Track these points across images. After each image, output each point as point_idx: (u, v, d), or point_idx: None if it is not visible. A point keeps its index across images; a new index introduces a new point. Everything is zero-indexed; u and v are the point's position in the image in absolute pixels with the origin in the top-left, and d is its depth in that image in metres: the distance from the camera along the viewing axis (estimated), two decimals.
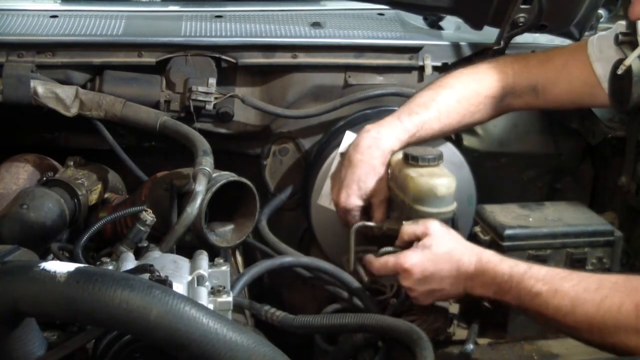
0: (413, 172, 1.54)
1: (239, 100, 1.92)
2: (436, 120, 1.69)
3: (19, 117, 1.87)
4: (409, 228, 1.49)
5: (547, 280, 1.32)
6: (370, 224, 1.62)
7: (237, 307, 1.47)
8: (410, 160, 1.56)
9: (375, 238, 1.62)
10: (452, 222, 1.66)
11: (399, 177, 1.59)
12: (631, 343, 1.19)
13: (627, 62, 1.56)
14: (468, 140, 1.99)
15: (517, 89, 1.73)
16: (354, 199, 1.65)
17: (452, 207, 1.53)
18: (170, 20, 2.04)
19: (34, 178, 1.76)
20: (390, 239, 1.56)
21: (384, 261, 1.50)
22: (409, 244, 1.48)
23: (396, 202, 1.62)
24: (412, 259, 1.45)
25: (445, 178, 1.52)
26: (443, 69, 1.98)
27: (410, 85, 1.97)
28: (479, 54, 1.97)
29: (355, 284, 1.63)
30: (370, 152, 1.64)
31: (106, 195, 1.84)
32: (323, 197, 1.77)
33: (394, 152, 1.65)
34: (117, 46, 1.88)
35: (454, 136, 1.96)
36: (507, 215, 1.64)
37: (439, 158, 1.56)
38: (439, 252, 1.45)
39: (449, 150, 1.78)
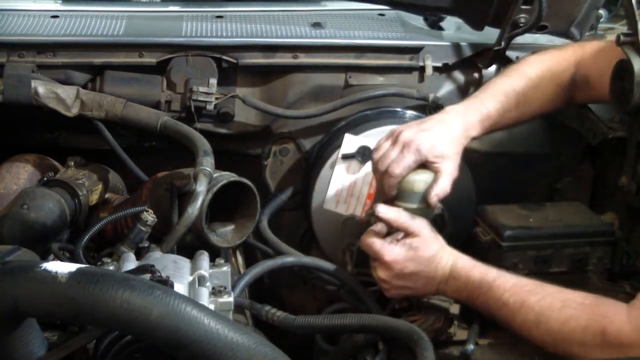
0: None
1: (240, 101, 1.92)
2: (514, 108, 1.68)
3: (19, 117, 1.87)
4: (404, 220, 1.50)
5: (514, 292, 1.36)
6: (358, 216, 1.67)
7: (238, 308, 1.48)
8: None
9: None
10: (441, 218, 1.67)
11: None
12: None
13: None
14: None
15: (577, 80, 1.71)
16: (410, 155, 1.56)
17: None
18: (171, 20, 2.04)
19: (34, 178, 1.76)
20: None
21: (370, 242, 1.51)
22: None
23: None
24: (396, 254, 1.48)
25: (424, 174, 1.54)
26: (443, 70, 1.98)
27: (410, 85, 1.97)
28: (480, 54, 1.97)
29: (357, 284, 1.63)
30: (453, 124, 1.60)
31: (107, 196, 1.84)
32: (328, 201, 1.78)
33: (472, 138, 1.64)
34: (117, 46, 1.88)
35: None
36: (507, 215, 1.64)
37: None
38: (423, 255, 1.48)
39: None
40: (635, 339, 1.19)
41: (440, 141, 1.56)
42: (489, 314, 1.41)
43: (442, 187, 1.54)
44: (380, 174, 1.57)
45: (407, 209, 1.53)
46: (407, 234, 1.50)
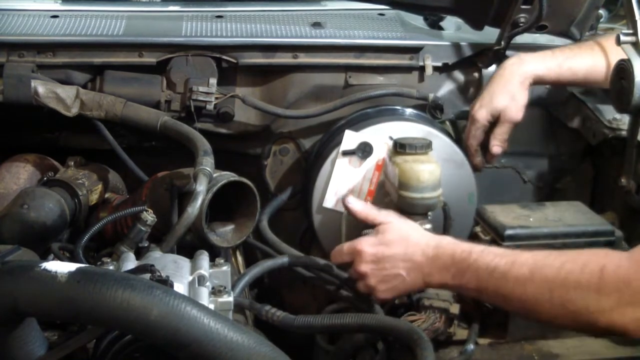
0: (400, 159, 1.61)
1: (240, 100, 1.92)
2: (583, 67, 1.72)
3: (19, 117, 1.87)
4: (371, 211, 1.51)
5: (505, 254, 1.29)
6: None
7: (238, 307, 1.48)
8: (398, 147, 1.63)
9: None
10: (444, 212, 1.68)
11: (388, 164, 1.67)
12: (592, 306, 1.15)
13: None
14: None
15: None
16: (482, 111, 1.71)
17: (436, 193, 1.58)
18: (171, 20, 2.04)
19: (34, 178, 1.76)
20: None
21: (339, 248, 1.51)
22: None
23: (386, 190, 1.67)
24: (366, 241, 1.46)
25: (429, 164, 1.57)
26: (443, 69, 1.98)
27: (410, 85, 1.97)
28: (480, 54, 1.97)
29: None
30: (510, 70, 1.71)
31: (107, 195, 1.84)
32: (328, 199, 1.78)
33: (539, 79, 1.71)
34: (117, 46, 1.88)
35: (454, 135, 1.96)
36: (507, 215, 1.64)
37: (427, 146, 1.63)
38: (393, 237, 1.45)
39: (450, 148, 1.79)
40: (635, 272, 1.12)
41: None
42: (480, 287, 1.31)
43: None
44: None
45: (412, 199, 1.54)
46: (377, 225, 1.48)
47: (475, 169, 1.82)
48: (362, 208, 1.52)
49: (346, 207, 1.53)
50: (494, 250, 1.33)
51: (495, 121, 1.79)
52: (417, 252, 1.41)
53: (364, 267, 1.46)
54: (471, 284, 1.32)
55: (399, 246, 1.43)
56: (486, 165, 1.87)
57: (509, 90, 1.74)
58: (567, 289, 1.17)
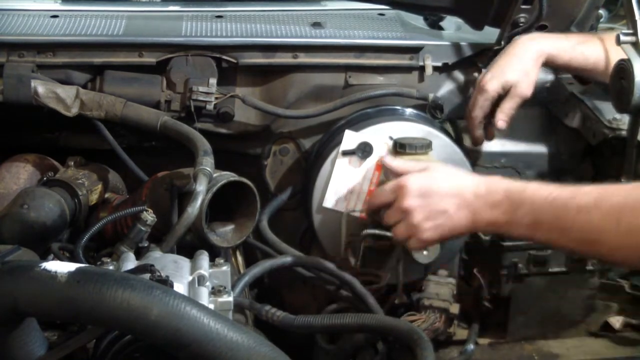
0: (399, 159, 1.60)
1: (240, 100, 1.92)
2: (594, 54, 1.73)
3: (19, 117, 1.87)
4: (409, 164, 1.47)
5: (564, 187, 1.24)
6: (357, 212, 1.68)
7: (238, 307, 1.48)
8: (398, 147, 1.64)
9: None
10: None
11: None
12: None
13: None
14: (469, 140, 1.99)
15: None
16: (493, 82, 1.71)
17: None
18: (171, 20, 2.04)
19: (34, 178, 1.76)
20: (380, 228, 1.57)
21: (381, 188, 1.46)
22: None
23: None
24: (412, 176, 1.40)
25: (425, 158, 1.55)
26: (443, 69, 1.98)
27: (410, 85, 1.97)
28: (480, 54, 1.97)
29: (357, 284, 1.63)
30: (524, 46, 1.72)
31: (106, 195, 1.84)
32: (328, 199, 1.78)
33: (552, 58, 1.72)
34: (117, 46, 1.88)
35: (454, 134, 1.96)
36: None
37: (427, 147, 1.62)
38: (440, 174, 1.40)
39: (450, 148, 1.79)
40: None
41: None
42: (534, 222, 1.25)
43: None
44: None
45: None
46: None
47: (475, 142, 1.81)
48: (401, 162, 1.46)
49: (384, 165, 1.46)
50: (550, 185, 1.27)
51: (503, 95, 1.77)
52: (467, 188, 1.35)
53: (409, 202, 1.38)
54: (525, 218, 1.26)
55: (447, 182, 1.37)
56: (486, 140, 1.86)
57: (522, 65, 1.73)
58: (636, 216, 1.11)
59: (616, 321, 1.64)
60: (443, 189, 1.37)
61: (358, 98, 1.93)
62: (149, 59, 1.88)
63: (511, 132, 1.94)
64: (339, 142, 1.78)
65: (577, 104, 1.93)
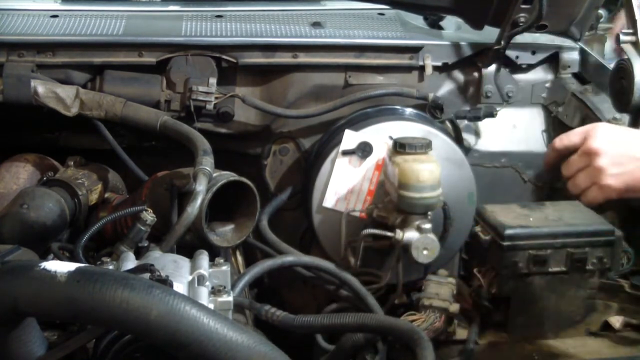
0: (400, 158, 1.60)
1: (240, 100, 1.92)
2: None
3: (19, 117, 1.87)
4: (580, 130, 1.34)
5: None
6: (357, 212, 1.68)
7: (238, 307, 1.48)
8: (398, 147, 1.63)
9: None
10: (443, 212, 1.68)
11: (388, 164, 1.66)
12: None
13: None
14: (469, 140, 2.00)
15: None
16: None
17: (436, 192, 1.57)
18: (171, 20, 2.04)
19: (34, 178, 1.76)
20: (380, 228, 1.57)
21: (567, 132, 1.35)
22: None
23: (386, 190, 1.67)
24: (602, 123, 1.33)
25: (429, 164, 1.57)
26: (443, 69, 1.99)
27: (410, 85, 1.97)
28: (479, 53, 1.97)
29: (357, 283, 1.63)
30: None
31: (106, 195, 1.84)
32: (328, 199, 1.78)
33: None
34: (117, 46, 1.88)
35: (454, 134, 1.96)
36: (507, 215, 1.64)
37: (426, 146, 1.63)
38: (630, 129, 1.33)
39: (450, 148, 1.79)
40: None
41: None
42: None
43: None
44: None
45: (411, 198, 1.54)
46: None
47: None
48: (569, 136, 1.34)
49: (553, 148, 1.37)
50: None
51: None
52: None
53: (598, 143, 1.27)
54: None
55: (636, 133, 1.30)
56: None
57: None
58: None
59: (616, 321, 1.64)
60: (637, 137, 1.30)
61: (358, 98, 1.93)
62: (149, 58, 1.88)
63: (511, 132, 1.94)
64: (339, 142, 1.78)
65: (577, 104, 1.93)
